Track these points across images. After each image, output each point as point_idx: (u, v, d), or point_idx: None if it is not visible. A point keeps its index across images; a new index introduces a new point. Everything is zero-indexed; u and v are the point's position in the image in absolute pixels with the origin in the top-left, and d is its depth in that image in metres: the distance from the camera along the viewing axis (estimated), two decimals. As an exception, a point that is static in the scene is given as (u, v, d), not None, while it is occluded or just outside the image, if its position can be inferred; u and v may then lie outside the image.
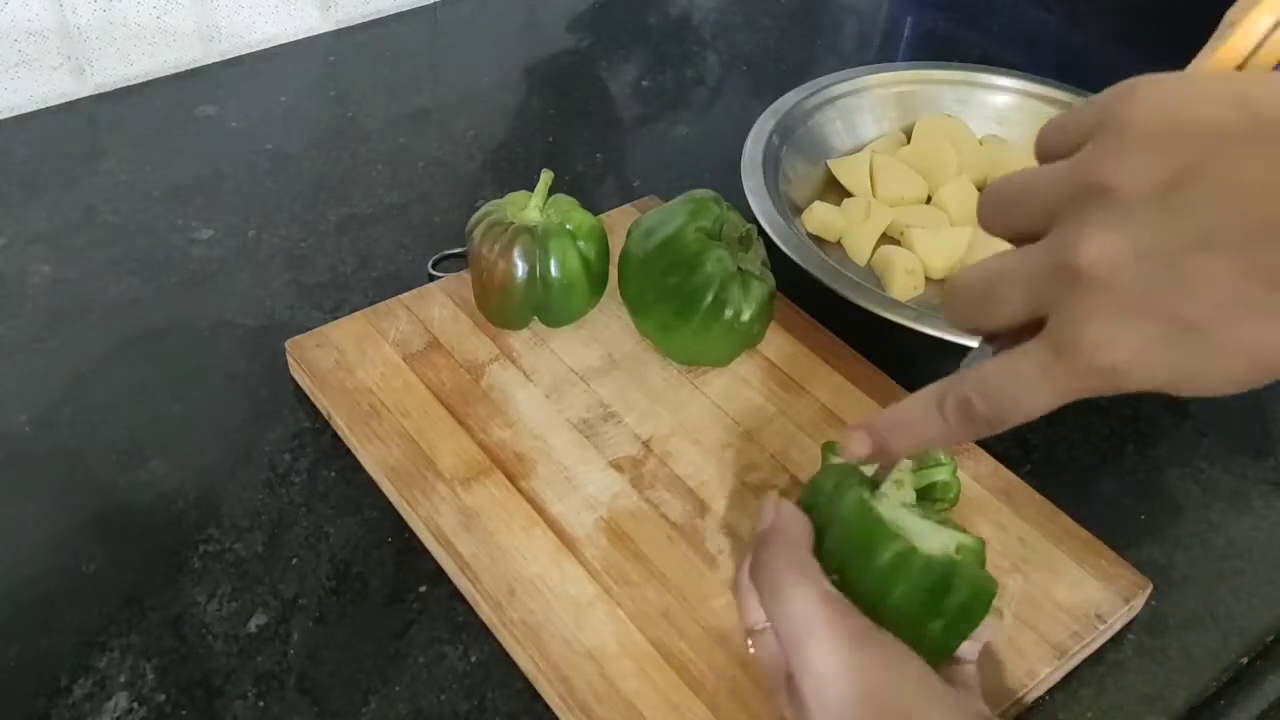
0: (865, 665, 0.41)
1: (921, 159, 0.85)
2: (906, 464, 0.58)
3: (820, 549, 0.46)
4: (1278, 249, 0.32)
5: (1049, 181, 0.36)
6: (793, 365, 0.69)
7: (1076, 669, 0.57)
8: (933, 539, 0.46)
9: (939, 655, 0.45)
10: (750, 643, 0.48)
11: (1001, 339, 0.40)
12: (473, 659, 0.55)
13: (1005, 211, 0.38)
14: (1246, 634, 0.60)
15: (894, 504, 0.48)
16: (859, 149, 0.88)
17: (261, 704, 0.53)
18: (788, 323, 0.72)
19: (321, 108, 0.94)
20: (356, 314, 0.71)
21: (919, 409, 0.41)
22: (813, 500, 0.49)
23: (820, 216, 0.80)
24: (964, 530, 0.47)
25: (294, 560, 0.59)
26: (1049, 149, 0.38)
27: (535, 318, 0.69)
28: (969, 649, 0.48)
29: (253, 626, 0.56)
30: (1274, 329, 0.32)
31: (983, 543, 0.47)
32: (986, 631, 0.49)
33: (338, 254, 0.79)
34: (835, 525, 0.47)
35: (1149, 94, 0.34)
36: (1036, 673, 0.54)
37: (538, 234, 0.66)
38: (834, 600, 0.43)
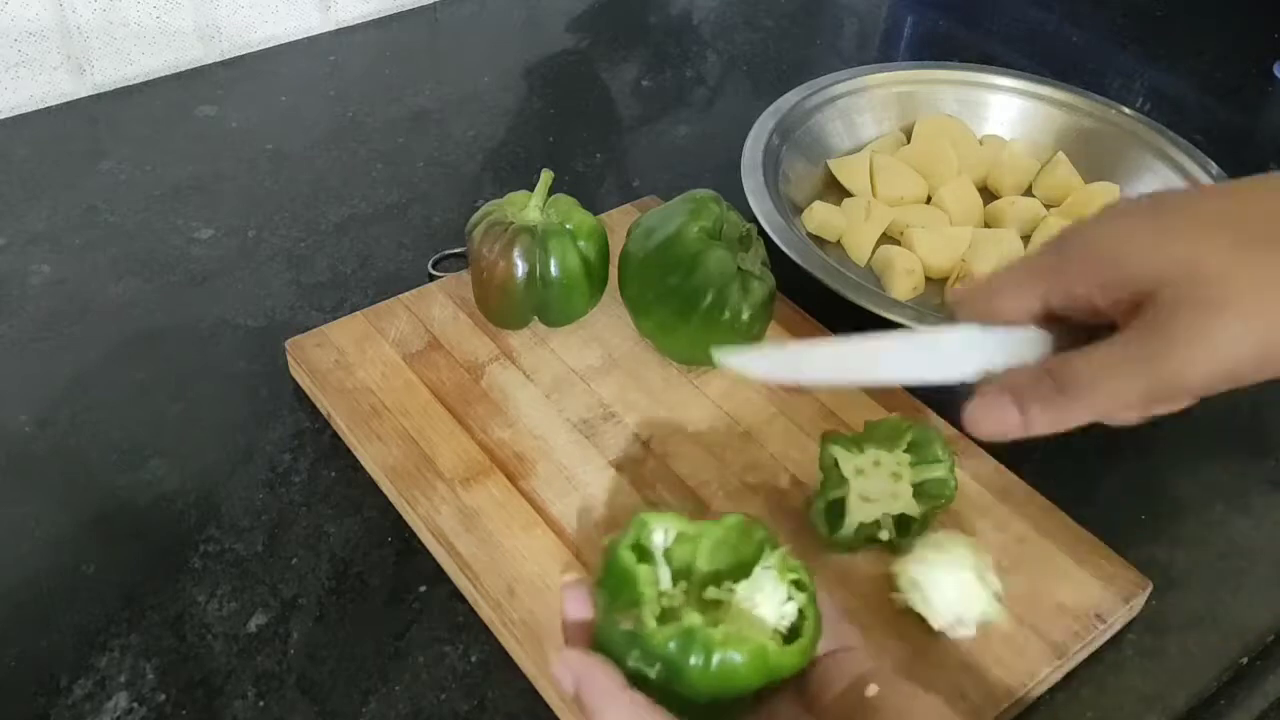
0: None
1: (921, 159, 0.85)
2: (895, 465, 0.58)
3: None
4: None
5: None
6: (793, 365, 0.69)
7: (1076, 669, 0.57)
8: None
9: None
10: None
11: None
12: (473, 659, 0.55)
13: None
14: (1246, 634, 0.60)
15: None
16: (859, 149, 0.88)
17: (261, 704, 0.53)
18: (788, 323, 0.72)
19: (321, 108, 0.94)
20: (356, 314, 0.71)
21: None
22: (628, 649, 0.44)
23: (820, 216, 0.80)
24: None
25: (294, 560, 0.59)
26: None
27: (535, 318, 0.69)
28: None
29: (253, 626, 0.56)
30: None
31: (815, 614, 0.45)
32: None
33: (338, 254, 0.79)
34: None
35: None
36: (1036, 673, 0.54)
37: (538, 234, 0.66)
38: None
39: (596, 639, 0.46)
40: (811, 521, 0.59)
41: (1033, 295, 0.41)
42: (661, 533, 0.48)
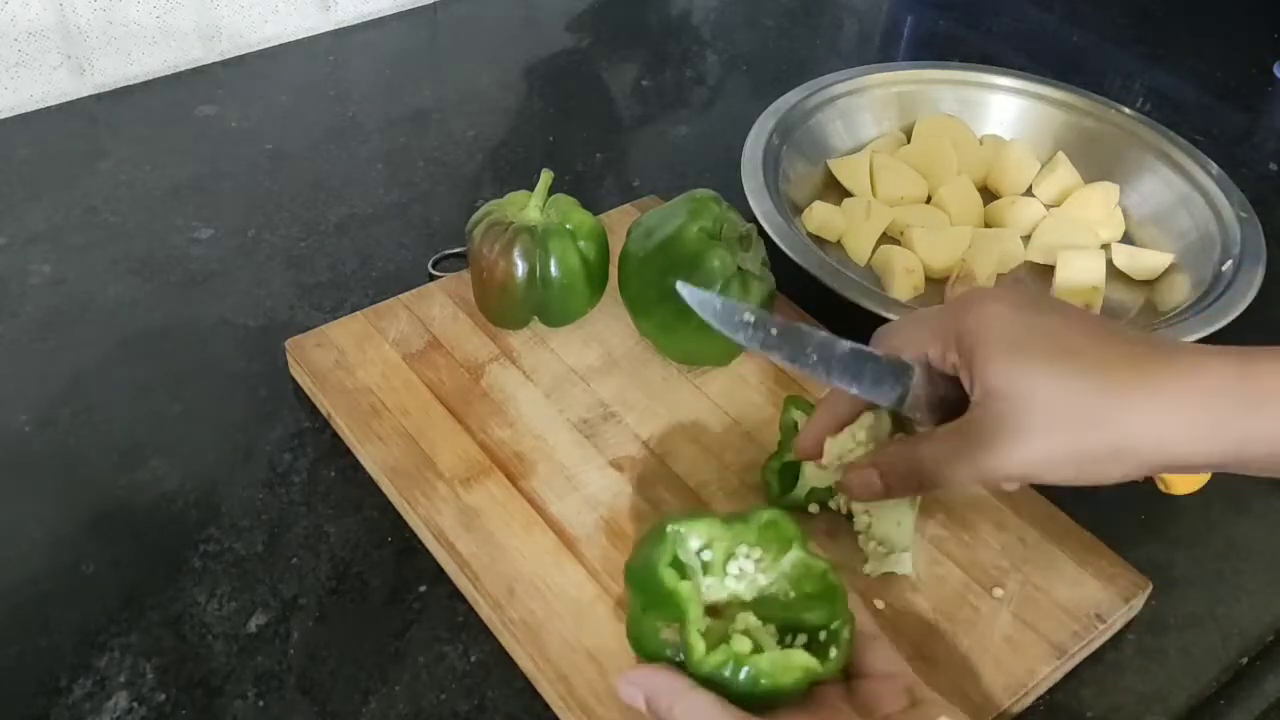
0: None
1: (921, 159, 0.85)
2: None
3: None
4: None
5: None
6: (793, 365, 0.69)
7: (1076, 669, 0.57)
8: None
9: None
10: None
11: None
12: (473, 659, 0.56)
13: None
14: (1246, 634, 0.60)
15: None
16: (859, 149, 0.88)
17: (261, 704, 0.53)
18: (788, 323, 0.72)
19: (321, 108, 0.94)
20: (356, 314, 0.71)
21: None
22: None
23: (820, 216, 0.80)
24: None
25: (294, 560, 0.59)
26: None
27: (535, 318, 0.69)
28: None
29: (253, 626, 0.56)
30: None
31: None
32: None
33: (338, 254, 0.79)
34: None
35: None
36: (1036, 672, 0.54)
37: (538, 234, 0.66)
38: None
39: (630, 634, 0.48)
40: (764, 479, 0.61)
41: (917, 345, 0.52)
42: (696, 540, 0.48)
